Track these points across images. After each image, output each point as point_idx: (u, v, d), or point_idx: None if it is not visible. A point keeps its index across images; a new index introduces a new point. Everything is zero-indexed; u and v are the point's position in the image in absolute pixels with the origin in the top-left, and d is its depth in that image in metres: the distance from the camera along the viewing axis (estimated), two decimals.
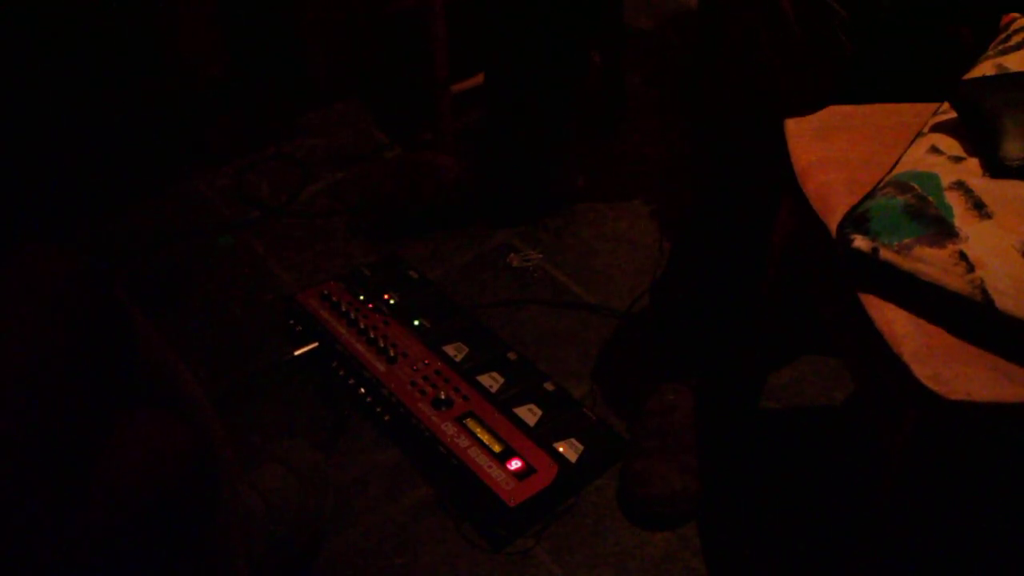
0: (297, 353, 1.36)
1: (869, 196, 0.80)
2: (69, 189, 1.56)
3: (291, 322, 1.41)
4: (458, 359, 1.32)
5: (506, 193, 1.60)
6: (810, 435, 1.26)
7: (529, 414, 1.24)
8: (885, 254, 0.74)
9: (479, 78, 1.67)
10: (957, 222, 0.74)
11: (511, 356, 1.33)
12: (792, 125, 0.93)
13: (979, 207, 0.74)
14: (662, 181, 1.68)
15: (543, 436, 1.20)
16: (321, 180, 1.72)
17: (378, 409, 1.27)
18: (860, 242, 0.75)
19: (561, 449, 1.19)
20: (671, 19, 2.14)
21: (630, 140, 1.80)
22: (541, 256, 1.55)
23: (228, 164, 1.75)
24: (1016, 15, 0.94)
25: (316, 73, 1.88)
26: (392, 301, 1.42)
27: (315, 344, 1.36)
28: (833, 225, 0.80)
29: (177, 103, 1.74)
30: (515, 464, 1.16)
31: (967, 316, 0.70)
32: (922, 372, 0.68)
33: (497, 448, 1.18)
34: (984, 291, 0.69)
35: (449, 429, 1.21)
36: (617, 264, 1.53)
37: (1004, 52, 0.90)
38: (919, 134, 0.86)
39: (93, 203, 1.61)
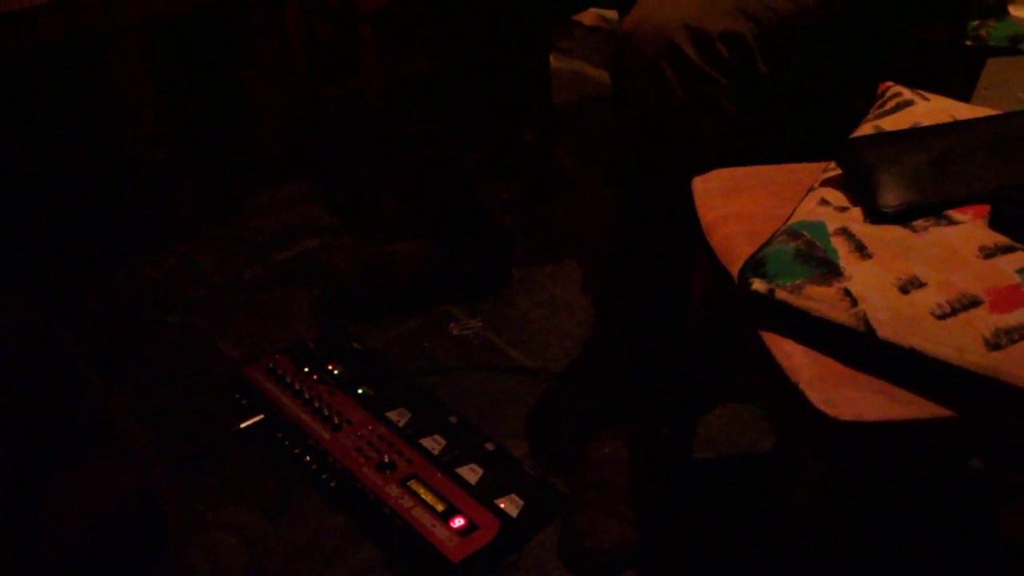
0: (243, 426, 1.39)
1: (766, 244, 0.87)
2: (13, 270, 1.59)
3: (237, 396, 1.44)
4: (401, 424, 1.36)
5: (454, 270, 1.65)
6: (741, 482, 1.31)
7: (471, 473, 1.28)
8: (780, 294, 0.81)
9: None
10: (842, 263, 0.81)
11: (453, 419, 1.37)
12: (699, 184, 1.02)
13: (861, 249, 0.82)
14: (595, 248, 1.76)
15: (485, 494, 1.24)
16: (267, 258, 1.77)
17: (324, 476, 1.30)
18: (758, 284, 0.82)
19: (503, 505, 1.23)
20: (597, 97, 2.26)
21: (564, 211, 1.89)
22: (481, 324, 1.60)
23: (175, 244, 1.79)
24: (891, 84, 1.05)
25: (262, 155, 1.95)
26: (336, 371, 1.46)
27: (261, 416, 1.40)
28: (735, 271, 0.87)
29: (124, 185, 1.79)
30: (458, 522, 1.19)
31: (854, 345, 0.77)
32: (816, 397, 0.75)
33: (440, 507, 1.22)
34: (867, 322, 0.77)
35: (393, 491, 1.24)
36: (554, 328, 1.59)
37: (881, 115, 1.00)
38: (810, 189, 0.95)
39: (38, 284, 1.64)
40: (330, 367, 1.46)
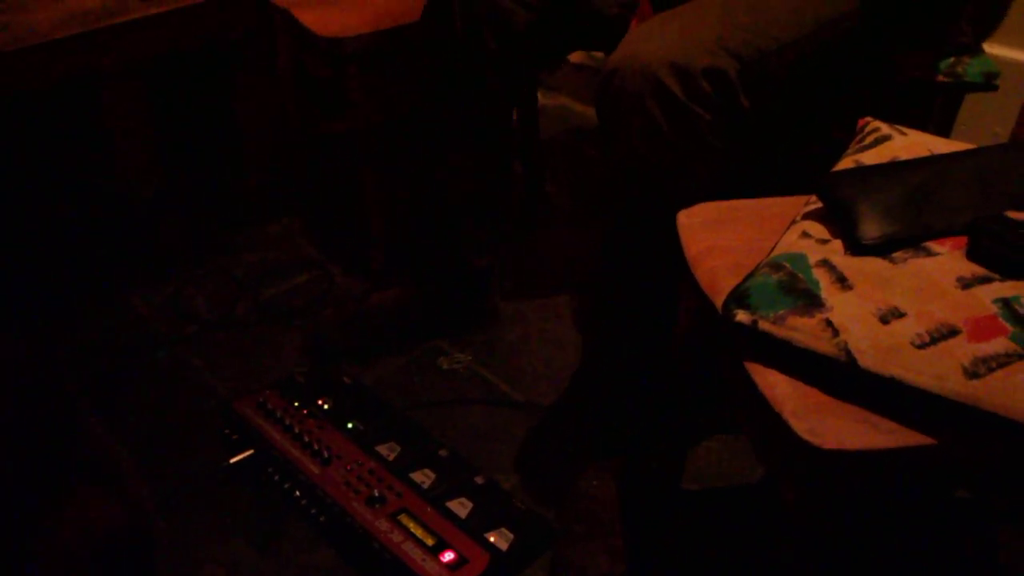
0: (233, 461, 1.39)
1: (749, 276, 0.89)
2: (6, 304, 1.59)
3: (227, 431, 1.44)
4: (391, 458, 1.36)
5: (434, 313, 1.66)
6: (731, 514, 1.32)
7: (460, 507, 1.28)
8: (763, 325, 0.82)
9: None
10: (823, 294, 0.83)
11: (442, 453, 1.38)
12: (683, 218, 1.03)
13: (841, 280, 0.84)
14: (583, 281, 1.78)
15: (474, 527, 1.24)
16: (257, 294, 1.78)
17: (313, 511, 1.30)
18: (742, 316, 0.84)
19: (492, 539, 1.23)
20: (584, 132, 2.29)
21: (552, 245, 1.90)
22: (470, 358, 1.61)
23: (165, 280, 1.80)
24: (870, 119, 1.07)
25: (252, 191, 1.96)
26: (326, 406, 1.46)
27: (250, 451, 1.40)
28: (720, 303, 0.89)
29: (114, 221, 1.80)
30: (448, 556, 1.19)
31: (836, 375, 0.79)
32: (800, 427, 0.76)
33: (430, 541, 1.22)
34: (848, 352, 0.78)
35: (383, 525, 1.24)
36: (543, 361, 1.60)
37: (861, 150, 1.02)
38: (793, 222, 0.97)
39: (30, 319, 1.64)
40: (320, 401, 1.46)
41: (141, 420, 1.48)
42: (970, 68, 1.29)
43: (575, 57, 2.47)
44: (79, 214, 1.76)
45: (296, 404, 1.46)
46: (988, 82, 1.29)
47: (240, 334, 1.68)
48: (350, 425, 1.42)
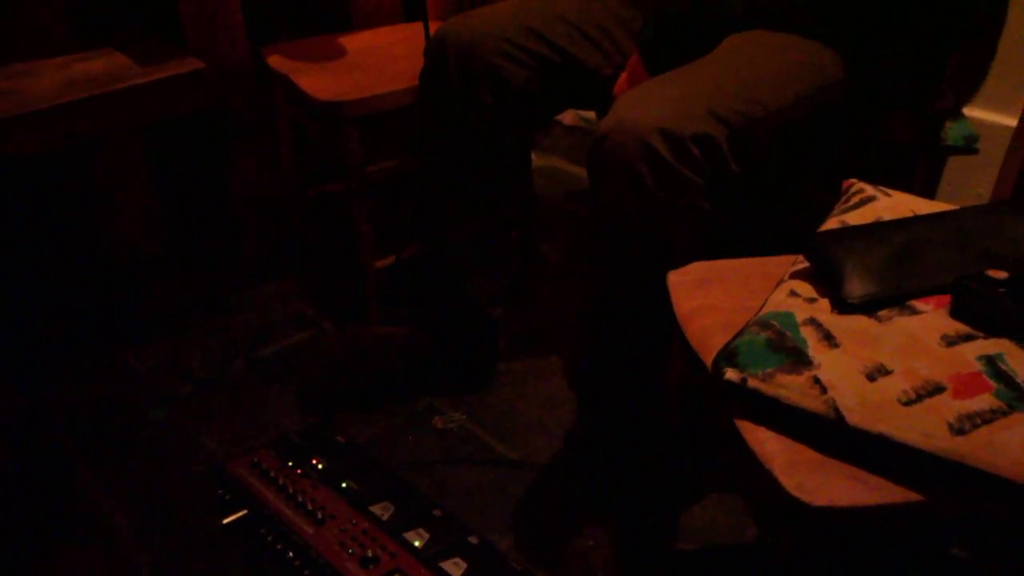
0: (226, 521, 1.38)
1: (738, 334, 0.90)
2: (2, 363, 1.60)
3: (220, 491, 1.43)
4: (384, 518, 1.36)
5: (441, 360, 1.67)
6: (725, 572, 1.31)
7: (454, 567, 1.27)
8: (752, 382, 0.84)
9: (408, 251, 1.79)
10: (811, 352, 0.85)
11: (436, 513, 1.37)
12: (674, 278, 1.05)
13: (829, 338, 0.86)
14: (576, 340, 1.79)
15: None
16: (251, 354, 1.79)
17: (307, 572, 1.29)
18: (731, 374, 0.85)
19: None
20: (577, 192, 2.33)
21: (546, 305, 1.92)
22: (465, 417, 1.62)
23: (161, 339, 1.81)
24: (855, 180, 1.10)
25: (250, 251, 1.99)
26: (320, 465, 1.46)
27: (244, 512, 1.39)
28: (709, 361, 0.90)
29: (113, 280, 1.81)
30: None
31: (825, 432, 0.80)
32: (790, 483, 0.77)
33: None
34: (836, 409, 0.79)
35: None
36: (537, 420, 1.60)
37: (846, 211, 1.05)
38: (781, 281, 0.99)
39: (26, 377, 1.65)
40: (314, 461, 1.46)
41: (135, 479, 1.48)
42: (951, 132, 1.32)
43: (568, 119, 2.52)
44: (77, 274, 1.78)
45: (290, 464, 1.45)
46: (969, 145, 1.32)
47: (235, 393, 1.68)
48: (344, 485, 1.42)
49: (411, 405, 1.64)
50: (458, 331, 1.65)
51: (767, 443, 0.81)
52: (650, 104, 1.09)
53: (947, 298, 0.89)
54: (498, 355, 1.71)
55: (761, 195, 1.17)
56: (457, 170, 1.50)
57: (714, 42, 1.21)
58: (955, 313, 0.87)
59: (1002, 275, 0.87)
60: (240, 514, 1.39)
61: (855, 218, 1.03)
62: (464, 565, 1.27)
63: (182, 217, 1.95)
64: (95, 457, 1.51)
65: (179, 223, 1.93)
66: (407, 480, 1.45)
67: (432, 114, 1.46)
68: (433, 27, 1.84)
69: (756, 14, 1.19)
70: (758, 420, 0.83)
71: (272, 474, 1.43)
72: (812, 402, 0.80)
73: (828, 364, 0.83)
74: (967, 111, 1.39)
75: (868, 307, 0.89)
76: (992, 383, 0.79)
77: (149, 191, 1.84)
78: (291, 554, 1.31)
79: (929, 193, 1.39)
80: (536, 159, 2.42)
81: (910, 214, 1.01)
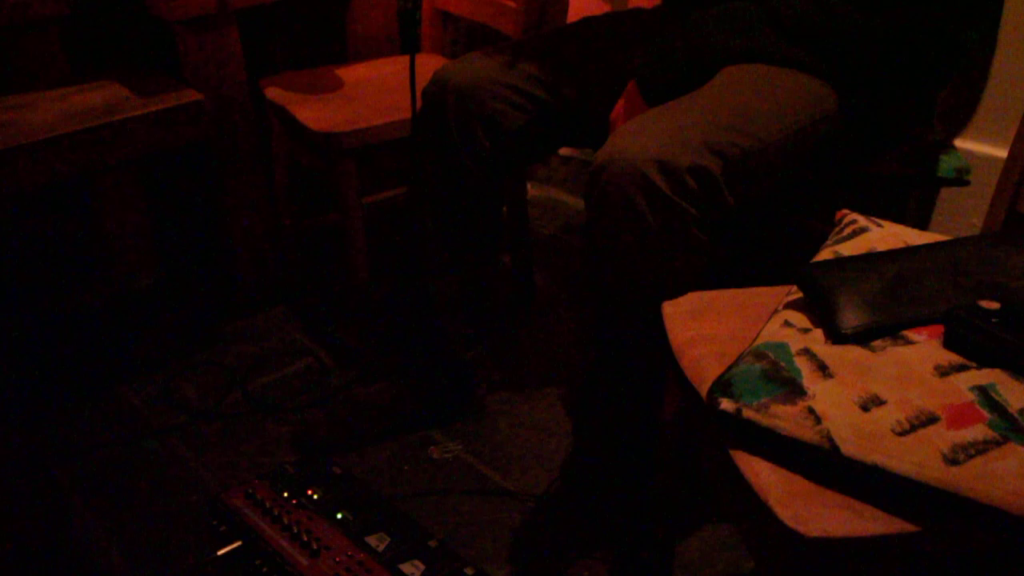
0: (221, 553, 1.37)
1: (733, 365, 0.91)
2: None
3: (215, 522, 1.43)
4: (380, 548, 1.35)
5: (422, 406, 1.67)
6: None
7: None
8: (747, 413, 0.84)
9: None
10: (805, 382, 0.85)
11: (432, 543, 1.37)
12: (668, 308, 1.06)
13: (823, 369, 0.86)
14: (572, 371, 1.79)
15: None
16: (247, 385, 1.78)
17: None
18: (726, 404, 0.85)
19: None
20: (572, 223, 2.34)
21: (541, 335, 1.92)
22: (460, 447, 1.61)
23: (157, 371, 1.81)
24: (847, 211, 1.11)
25: (245, 281, 1.99)
26: (315, 496, 1.45)
27: (239, 543, 1.38)
28: (704, 392, 0.90)
29: (108, 312, 1.82)
30: None
31: (820, 462, 0.80)
32: (785, 514, 0.77)
33: None
34: (831, 439, 0.79)
35: None
36: (534, 451, 1.60)
37: (839, 241, 1.06)
38: (775, 311, 0.99)
39: (22, 411, 1.64)
40: (309, 492, 1.46)
41: (129, 511, 1.47)
42: (942, 164, 1.34)
43: (563, 150, 2.54)
44: (71, 305, 1.78)
45: (285, 495, 1.45)
46: (960, 177, 1.34)
47: (230, 424, 1.68)
48: (339, 515, 1.41)
49: (406, 435, 1.64)
50: (437, 372, 1.65)
51: (762, 474, 0.81)
52: (646, 136, 1.10)
53: (940, 328, 0.89)
54: (476, 394, 1.70)
55: (755, 226, 1.18)
56: (449, 207, 1.51)
57: (709, 74, 1.22)
58: (948, 344, 0.88)
59: (994, 306, 0.88)
60: (235, 545, 1.38)
61: (848, 249, 1.03)
62: None
63: (178, 247, 1.96)
64: (89, 490, 1.51)
65: (175, 253, 1.94)
66: (403, 511, 1.45)
67: (427, 152, 1.47)
68: (427, 60, 1.86)
69: (751, 50, 1.21)
70: (753, 451, 0.84)
71: (267, 505, 1.42)
72: (807, 432, 0.81)
73: (822, 394, 0.83)
74: (958, 143, 1.41)
75: (861, 337, 0.89)
76: (985, 413, 0.79)
77: (145, 222, 1.85)
78: None
79: (922, 224, 1.40)
80: (532, 189, 2.44)
81: (902, 245, 1.02)
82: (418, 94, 1.47)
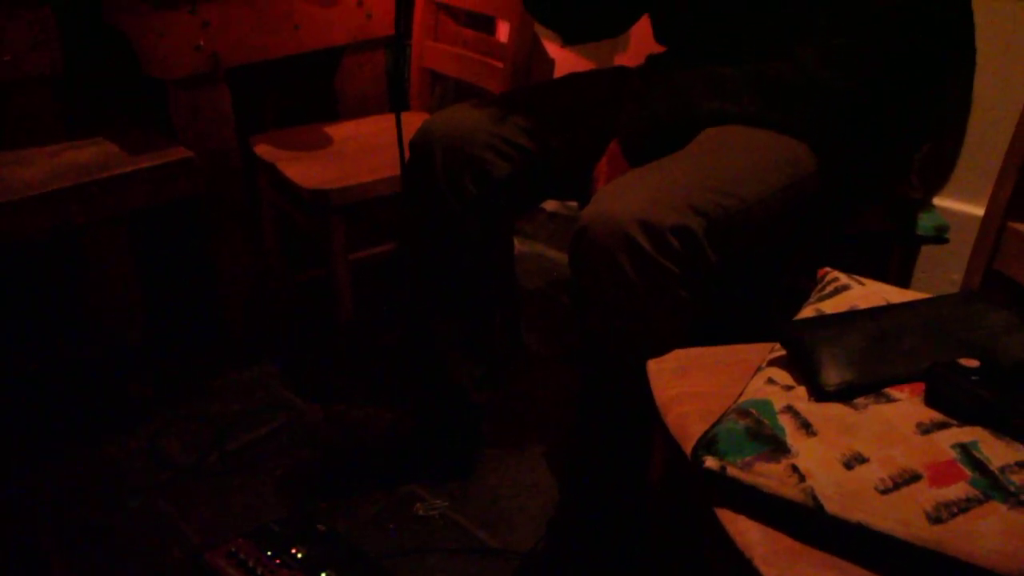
0: None
1: (717, 422, 0.91)
2: None
3: None
4: None
5: (422, 444, 1.66)
6: None
7: None
8: (731, 471, 0.84)
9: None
10: (789, 440, 0.85)
11: None
12: (653, 366, 1.07)
13: (806, 426, 0.87)
14: (559, 428, 1.79)
15: None
16: (233, 440, 1.77)
17: None
18: (710, 462, 0.86)
19: None
20: (559, 279, 2.36)
21: (529, 392, 1.92)
22: (446, 504, 1.60)
23: (141, 426, 1.79)
24: (829, 269, 1.13)
25: (234, 336, 1.99)
26: (300, 555, 1.44)
27: None
28: (689, 449, 0.91)
29: (93, 367, 1.81)
30: None
31: (804, 520, 0.80)
32: (770, 573, 0.77)
33: None
34: (815, 498, 0.80)
35: None
36: (520, 508, 1.59)
37: (822, 299, 1.07)
38: (759, 369, 1.00)
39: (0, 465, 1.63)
40: (294, 550, 1.44)
41: (112, 569, 1.45)
42: (922, 222, 1.36)
43: (550, 205, 2.57)
44: (55, 362, 1.77)
45: (269, 554, 1.43)
46: (940, 235, 1.36)
47: (214, 481, 1.66)
48: (324, 574, 1.40)
49: (392, 492, 1.63)
50: (442, 416, 1.65)
51: (747, 532, 0.82)
52: (630, 196, 1.11)
53: (922, 386, 0.90)
54: (482, 441, 1.71)
55: (738, 284, 1.19)
56: (440, 257, 1.52)
57: (691, 135, 1.25)
58: (929, 401, 0.89)
59: (974, 363, 0.89)
60: None
61: (830, 306, 1.05)
62: None
63: (165, 304, 1.96)
64: (70, 547, 1.49)
65: (162, 309, 1.94)
66: (388, 569, 1.43)
67: (416, 203, 1.49)
68: (414, 118, 1.89)
69: (733, 113, 1.23)
70: (738, 509, 0.84)
71: (250, 564, 1.41)
72: (791, 491, 0.81)
73: (806, 452, 0.84)
74: (937, 201, 1.43)
75: (844, 395, 0.90)
76: (967, 471, 0.80)
77: (132, 278, 1.85)
78: None
79: (904, 281, 1.42)
80: (519, 245, 2.45)
81: (883, 303, 1.03)
82: (406, 151, 1.49)
